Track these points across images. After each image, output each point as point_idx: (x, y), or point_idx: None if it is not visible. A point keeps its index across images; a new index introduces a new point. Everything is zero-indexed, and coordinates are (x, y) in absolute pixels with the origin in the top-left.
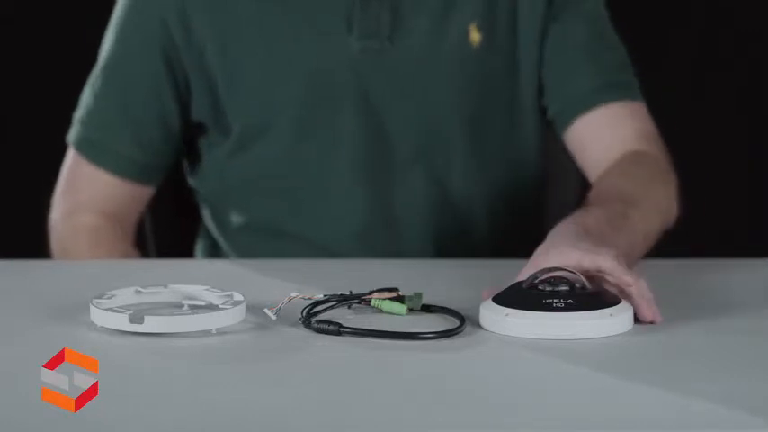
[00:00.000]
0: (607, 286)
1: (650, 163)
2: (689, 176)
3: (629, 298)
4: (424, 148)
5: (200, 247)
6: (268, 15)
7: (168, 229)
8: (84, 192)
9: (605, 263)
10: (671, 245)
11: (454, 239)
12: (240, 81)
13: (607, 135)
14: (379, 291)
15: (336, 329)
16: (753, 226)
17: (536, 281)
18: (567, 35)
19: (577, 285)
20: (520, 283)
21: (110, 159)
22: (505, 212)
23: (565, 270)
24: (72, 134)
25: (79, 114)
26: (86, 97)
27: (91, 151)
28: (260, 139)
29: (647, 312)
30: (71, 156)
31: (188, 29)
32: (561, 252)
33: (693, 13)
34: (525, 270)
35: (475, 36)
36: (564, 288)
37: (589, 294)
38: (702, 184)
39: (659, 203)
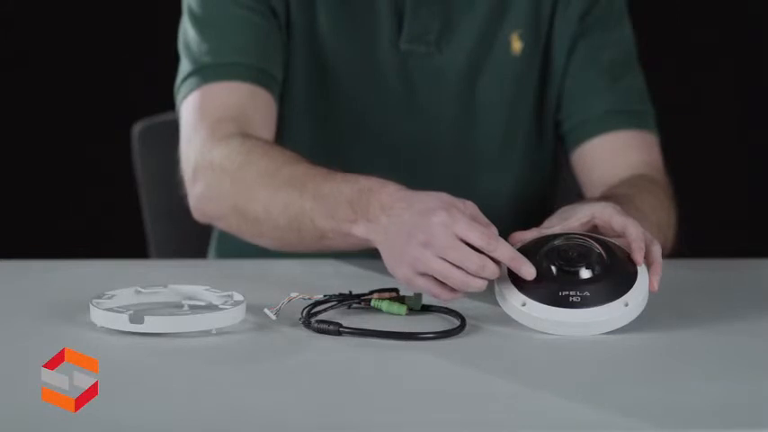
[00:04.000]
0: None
1: (658, 191)
2: (690, 176)
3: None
4: (461, 152)
5: (215, 234)
6: (335, 3)
7: (168, 229)
8: (221, 108)
9: (633, 229)
10: (672, 245)
11: None
12: (300, 63)
13: (615, 161)
14: (380, 291)
15: (336, 329)
16: (753, 226)
17: (552, 252)
18: (592, 56)
19: (595, 258)
20: (538, 247)
21: (237, 69)
22: (520, 212)
23: (582, 237)
24: (188, 86)
25: (191, 66)
26: (192, 46)
27: (210, 74)
28: (304, 128)
29: (653, 283)
30: (192, 101)
31: None
32: (596, 203)
33: (696, 12)
34: (553, 219)
35: (516, 44)
36: (581, 266)
37: (606, 275)
38: (702, 185)
39: (661, 224)
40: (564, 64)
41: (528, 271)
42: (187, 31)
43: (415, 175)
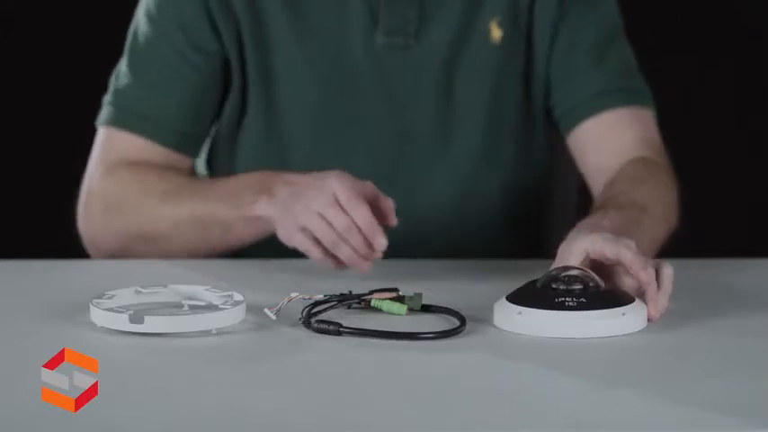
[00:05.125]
0: (624, 279)
1: (657, 172)
2: (690, 176)
3: (643, 295)
4: (445, 146)
5: None
6: (295, 3)
7: None
8: (122, 153)
9: (626, 253)
10: (671, 245)
11: (471, 238)
12: (267, 68)
13: (609, 141)
14: (380, 291)
15: (336, 329)
16: (753, 226)
17: (550, 279)
18: (576, 37)
19: (591, 284)
20: (535, 280)
21: (148, 125)
22: (515, 210)
23: (579, 269)
24: (104, 115)
25: (111, 96)
26: (121, 77)
27: (127, 121)
28: (279, 132)
29: (652, 313)
30: (103, 135)
31: (227, 5)
32: (586, 237)
33: (696, 11)
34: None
35: (496, 33)
36: (577, 287)
37: (602, 293)
38: (702, 184)
39: (666, 212)
40: (547, 52)
41: (380, 241)
42: (123, 60)
43: (396, 176)
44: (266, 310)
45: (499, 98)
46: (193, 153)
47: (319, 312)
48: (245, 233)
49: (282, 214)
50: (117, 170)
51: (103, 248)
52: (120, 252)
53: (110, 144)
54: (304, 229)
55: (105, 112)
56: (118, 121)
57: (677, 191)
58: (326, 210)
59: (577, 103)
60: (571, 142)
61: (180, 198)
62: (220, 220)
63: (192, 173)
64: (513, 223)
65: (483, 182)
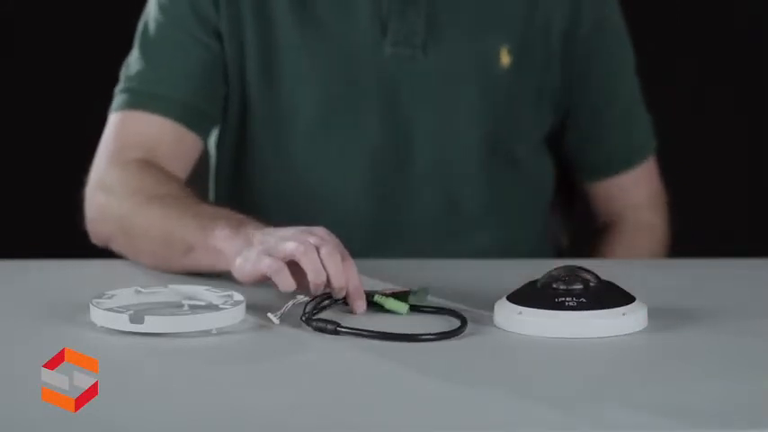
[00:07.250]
0: None
1: (650, 241)
2: (690, 176)
3: None
4: (441, 163)
5: None
6: (305, 8)
7: None
8: (132, 135)
9: None
10: (672, 245)
11: (460, 253)
12: (270, 71)
13: (620, 201)
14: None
15: (334, 329)
16: (753, 226)
17: (550, 279)
18: (609, 86)
19: (591, 284)
20: (535, 280)
21: (160, 103)
22: (513, 238)
23: (580, 267)
24: (114, 103)
25: (122, 84)
26: (132, 65)
27: (138, 102)
28: (279, 133)
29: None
30: (113, 120)
31: (236, 4)
32: None
33: (696, 12)
34: None
35: (505, 59)
36: (577, 287)
37: (602, 293)
38: (703, 184)
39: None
40: (557, 83)
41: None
42: (133, 51)
43: (392, 184)
44: (270, 315)
45: (505, 123)
46: (204, 132)
47: (322, 309)
48: (202, 261)
49: (246, 248)
50: (123, 155)
51: (100, 235)
52: (110, 241)
53: (120, 127)
54: (273, 256)
55: (116, 100)
56: (128, 104)
57: (665, 247)
58: (304, 236)
59: (597, 165)
60: (586, 189)
61: (161, 204)
62: (185, 239)
63: (202, 163)
64: (507, 250)
65: (478, 204)
